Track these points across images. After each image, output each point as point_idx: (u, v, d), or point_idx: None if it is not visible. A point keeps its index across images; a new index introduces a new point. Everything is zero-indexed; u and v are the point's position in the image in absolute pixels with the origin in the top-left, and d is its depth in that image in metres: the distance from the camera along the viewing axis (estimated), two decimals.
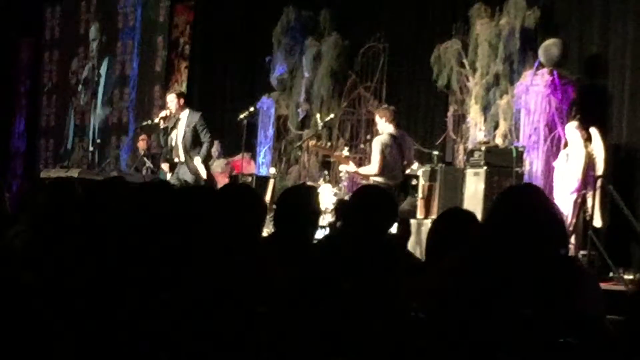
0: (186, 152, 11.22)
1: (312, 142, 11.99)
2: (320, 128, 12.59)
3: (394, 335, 3.52)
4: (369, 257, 4.33)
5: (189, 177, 11.11)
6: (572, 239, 9.73)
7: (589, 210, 9.90)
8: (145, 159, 14.14)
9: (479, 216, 8.89)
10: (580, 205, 10.04)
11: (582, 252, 9.52)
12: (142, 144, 14.79)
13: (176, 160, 11.33)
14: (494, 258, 3.35)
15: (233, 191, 4.87)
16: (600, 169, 10.04)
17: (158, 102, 16.55)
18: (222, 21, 15.95)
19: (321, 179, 12.17)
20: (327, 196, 11.07)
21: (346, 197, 10.11)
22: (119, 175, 11.86)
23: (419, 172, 10.76)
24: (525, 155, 10.56)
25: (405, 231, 10.03)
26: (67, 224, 4.76)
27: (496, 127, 11.51)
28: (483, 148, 10.42)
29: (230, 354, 3.75)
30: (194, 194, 4.99)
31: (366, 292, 3.88)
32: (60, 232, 4.64)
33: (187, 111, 11.42)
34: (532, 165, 10.77)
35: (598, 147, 10.08)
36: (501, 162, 10.25)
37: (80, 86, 18.86)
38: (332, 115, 12.79)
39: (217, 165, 13.56)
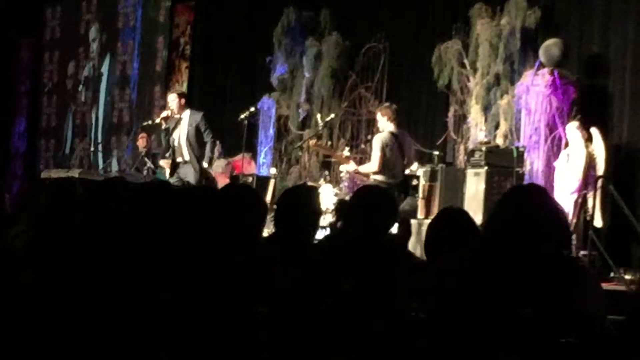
0: (191, 151, 11.21)
1: (312, 141, 11.99)
2: (320, 128, 12.60)
3: (395, 335, 3.52)
4: (370, 257, 4.33)
5: (191, 178, 11.10)
6: (573, 239, 9.73)
7: (590, 210, 9.90)
8: (145, 159, 14.13)
9: (480, 216, 8.90)
10: (580, 206, 10.04)
11: (582, 252, 9.51)
12: (141, 142, 14.78)
13: (179, 160, 11.32)
14: (495, 258, 3.35)
15: (234, 191, 4.87)
16: (600, 169, 10.03)
17: (159, 102, 16.55)
18: (223, 21, 15.96)
19: (322, 179, 12.18)
20: (328, 196, 11.08)
21: (347, 198, 10.11)
22: (120, 176, 11.88)
23: (420, 172, 10.76)
24: (525, 155, 10.56)
25: (405, 231, 10.03)
26: (67, 224, 4.76)
27: (497, 127, 11.50)
28: (484, 148, 10.41)
29: (231, 354, 3.75)
30: (194, 194, 4.99)
31: (366, 292, 3.88)
32: (60, 232, 4.64)
33: (188, 111, 11.42)
34: (533, 166, 10.76)
35: (599, 147, 10.08)
36: (502, 163, 10.25)
37: (80, 86, 18.87)
38: (332, 116, 12.79)
39: (218, 165, 13.55)
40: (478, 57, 11.71)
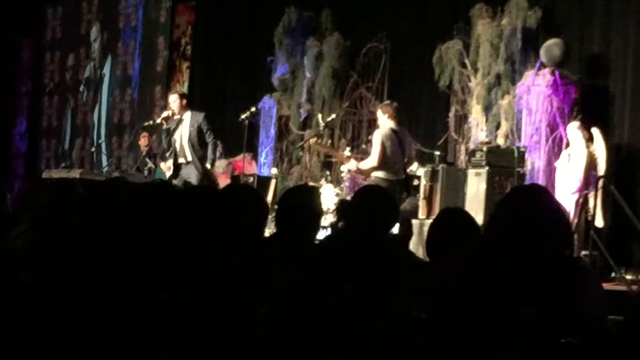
0: (193, 152, 11.19)
1: (312, 140, 11.98)
2: (321, 128, 12.60)
3: (395, 336, 3.52)
4: (370, 257, 4.33)
5: (194, 178, 11.08)
6: (575, 239, 9.73)
7: (591, 210, 9.89)
8: (147, 159, 14.14)
9: (481, 216, 8.90)
10: (582, 206, 10.04)
11: (583, 252, 9.51)
12: (143, 141, 14.79)
13: (181, 160, 11.30)
14: (496, 258, 3.34)
15: (235, 191, 4.87)
16: (601, 169, 10.03)
17: (159, 103, 16.55)
18: (224, 21, 15.96)
19: (323, 179, 12.19)
20: (329, 196, 11.08)
21: (348, 198, 10.11)
22: (121, 176, 11.87)
23: (421, 172, 10.76)
24: (526, 155, 10.56)
25: (407, 231, 10.02)
26: (68, 225, 4.76)
27: (498, 127, 11.51)
28: (485, 148, 10.42)
29: (231, 354, 3.75)
30: (195, 195, 4.99)
31: (367, 292, 3.88)
32: (61, 232, 4.64)
33: (189, 112, 11.41)
34: (534, 166, 10.77)
35: (600, 147, 10.08)
36: (503, 163, 10.26)
37: (81, 86, 18.87)
38: (333, 116, 12.79)
39: (219, 165, 13.54)
40: (479, 57, 11.72)
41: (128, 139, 16.92)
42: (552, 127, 10.77)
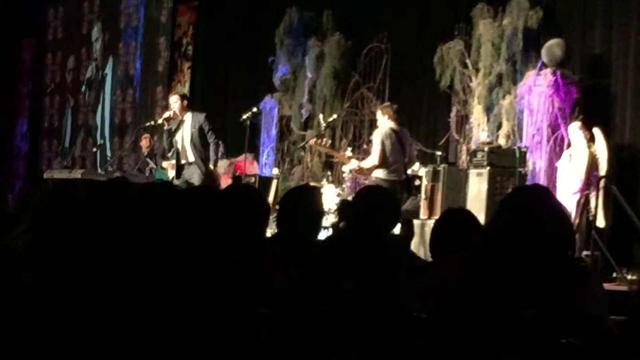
0: (196, 152, 11.18)
1: (312, 141, 11.99)
2: (323, 128, 12.59)
3: (396, 336, 3.52)
4: (372, 258, 4.33)
5: (196, 179, 11.08)
6: (576, 240, 9.73)
7: (592, 210, 9.90)
8: (148, 159, 14.14)
9: (482, 216, 8.89)
10: (583, 206, 10.04)
11: (585, 253, 9.51)
12: (144, 142, 14.80)
13: (183, 161, 11.30)
14: (498, 258, 3.34)
15: (236, 192, 4.86)
16: (603, 169, 10.03)
17: (161, 103, 16.55)
18: (225, 22, 15.96)
19: (324, 180, 12.18)
20: (330, 197, 11.08)
21: (349, 198, 10.11)
22: (122, 176, 11.87)
23: (422, 173, 10.76)
24: (528, 155, 10.56)
25: (408, 231, 10.03)
26: (68, 225, 4.76)
27: (499, 127, 11.50)
28: (486, 148, 10.42)
29: (232, 355, 3.75)
30: (197, 195, 4.98)
31: (368, 292, 3.88)
32: (61, 232, 4.64)
33: (190, 112, 11.41)
34: (535, 166, 10.76)
35: (601, 148, 10.08)
36: (504, 163, 10.26)
37: (83, 87, 18.88)
38: (334, 116, 12.79)
39: (220, 166, 13.54)
40: (480, 58, 11.72)
41: (129, 139, 16.92)
42: (554, 127, 10.77)
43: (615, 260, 9.21)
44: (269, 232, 5.37)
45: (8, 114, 20.00)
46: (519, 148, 10.43)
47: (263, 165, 14.36)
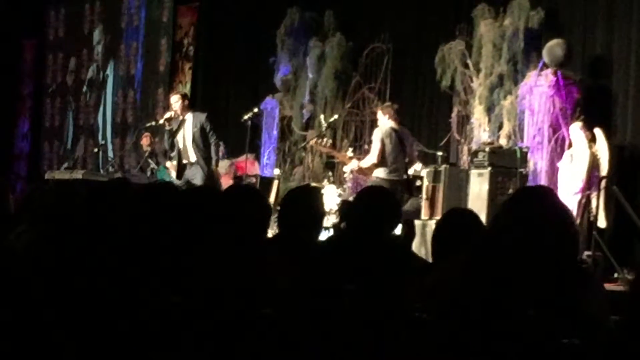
0: (198, 152, 11.18)
1: (313, 141, 11.99)
2: (324, 129, 12.60)
3: (397, 337, 3.51)
4: (372, 258, 4.33)
5: (198, 179, 11.08)
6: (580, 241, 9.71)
7: (593, 211, 9.90)
8: (149, 159, 14.14)
9: (483, 217, 8.88)
10: (584, 206, 10.04)
11: (586, 253, 9.50)
12: (145, 141, 14.80)
13: (185, 161, 11.30)
14: (500, 258, 3.34)
15: (237, 192, 4.86)
16: (604, 169, 10.03)
17: (162, 104, 16.55)
18: (226, 22, 15.95)
19: (325, 180, 12.18)
20: (331, 197, 11.09)
21: (350, 198, 10.11)
22: (123, 176, 11.87)
23: (423, 173, 10.76)
24: (529, 155, 10.56)
25: (409, 232, 10.03)
26: (69, 225, 4.76)
27: (500, 127, 11.50)
28: (487, 149, 10.43)
29: (232, 355, 3.75)
30: (198, 195, 4.99)
31: (369, 293, 3.88)
32: (62, 233, 4.64)
33: (191, 112, 11.41)
34: (536, 166, 10.76)
35: (602, 148, 10.07)
36: (505, 163, 10.27)
37: (84, 87, 18.88)
38: (336, 116, 12.80)
39: (221, 166, 13.54)
40: (481, 58, 11.72)
41: (130, 139, 16.92)
42: (555, 128, 10.76)
43: (616, 261, 9.21)
44: (269, 233, 5.36)
45: (9, 115, 20.00)
46: (520, 148, 10.43)
47: (264, 165, 14.36)
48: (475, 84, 11.83)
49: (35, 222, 4.91)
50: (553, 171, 10.59)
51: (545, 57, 10.94)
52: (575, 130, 10.25)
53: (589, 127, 10.21)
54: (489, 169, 10.15)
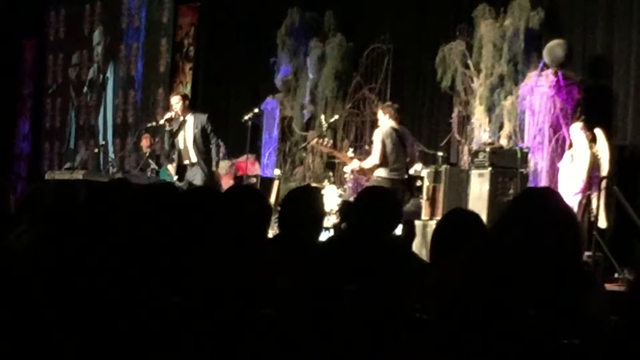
0: (199, 153, 11.18)
1: (314, 141, 11.99)
2: (324, 129, 12.60)
3: (397, 337, 3.51)
4: (373, 259, 4.33)
5: (199, 179, 11.07)
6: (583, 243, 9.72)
7: (594, 211, 9.90)
8: (149, 160, 14.14)
9: (484, 217, 8.89)
10: (585, 206, 10.04)
11: (587, 253, 9.50)
12: (145, 142, 14.80)
13: (186, 162, 11.29)
14: (501, 258, 3.34)
15: (238, 192, 4.87)
16: (605, 169, 10.03)
17: (162, 104, 16.54)
18: (226, 22, 15.95)
19: (326, 180, 12.18)
20: (332, 197, 11.09)
21: (351, 199, 10.11)
22: (124, 177, 11.87)
23: (424, 173, 10.76)
24: (529, 156, 10.56)
25: (410, 232, 10.04)
26: (69, 225, 4.76)
27: (501, 128, 11.50)
28: (488, 149, 10.43)
29: (232, 355, 3.75)
30: (198, 196, 4.98)
31: (369, 293, 3.87)
32: (62, 233, 4.64)
33: (192, 113, 11.40)
34: (537, 166, 10.76)
35: (603, 148, 10.07)
36: (506, 163, 10.27)
37: (85, 88, 18.88)
38: (336, 117, 12.80)
39: (222, 166, 13.54)
40: (482, 58, 11.72)
41: (131, 140, 16.92)
42: (555, 128, 10.76)
43: (616, 261, 9.21)
44: (270, 233, 5.36)
45: (10, 115, 19.99)
46: (521, 149, 10.43)
47: (264, 166, 14.36)
48: (476, 84, 11.83)
49: (35, 222, 4.91)
50: (553, 171, 10.59)
51: (546, 57, 10.94)
52: (576, 131, 10.25)
53: (589, 127, 10.21)
54: (490, 169, 10.15)
